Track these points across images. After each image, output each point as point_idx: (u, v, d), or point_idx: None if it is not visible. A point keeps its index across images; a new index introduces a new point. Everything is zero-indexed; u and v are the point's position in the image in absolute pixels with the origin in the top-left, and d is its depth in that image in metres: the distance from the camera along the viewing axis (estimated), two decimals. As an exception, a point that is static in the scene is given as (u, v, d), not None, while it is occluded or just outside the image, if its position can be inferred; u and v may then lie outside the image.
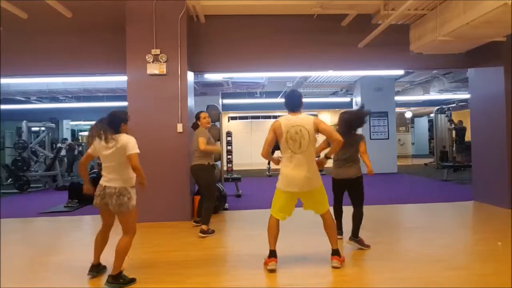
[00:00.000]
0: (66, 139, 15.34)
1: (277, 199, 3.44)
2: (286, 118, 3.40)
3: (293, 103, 3.46)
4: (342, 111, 4.32)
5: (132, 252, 3.82)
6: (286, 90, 12.89)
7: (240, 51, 6.07)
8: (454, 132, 11.88)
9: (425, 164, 14.27)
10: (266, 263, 3.39)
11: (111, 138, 3.06)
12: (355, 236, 4.01)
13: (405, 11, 5.01)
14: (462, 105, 14.50)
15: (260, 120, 17.06)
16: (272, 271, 3.31)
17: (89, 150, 3.20)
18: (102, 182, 3.13)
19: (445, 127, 12.93)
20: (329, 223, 3.46)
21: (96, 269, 3.28)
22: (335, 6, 5.57)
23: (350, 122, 4.04)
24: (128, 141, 3.08)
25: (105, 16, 5.76)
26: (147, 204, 4.90)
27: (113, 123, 3.13)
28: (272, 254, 3.40)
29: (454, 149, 11.90)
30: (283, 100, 3.63)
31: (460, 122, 11.98)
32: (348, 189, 4.10)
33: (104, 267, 3.33)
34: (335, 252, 3.41)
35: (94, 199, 3.17)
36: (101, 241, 3.29)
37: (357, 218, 4.03)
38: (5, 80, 9.12)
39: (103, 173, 3.16)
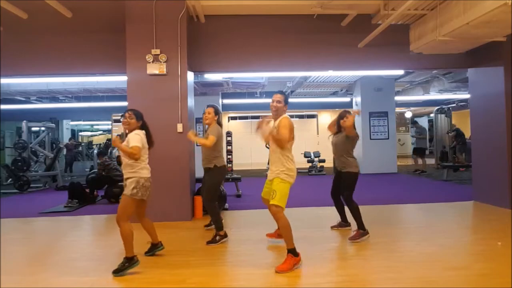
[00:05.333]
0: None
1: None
2: None
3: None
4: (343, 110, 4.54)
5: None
6: (286, 90, 12.88)
7: (240, 51, 6.07)
8: (454, 134, 11.86)
9: (438, 165, 13.28)
10: (298, 262, 3.39)
11: None
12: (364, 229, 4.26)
13: (405, 11, 5.01)
14: (462, 105, 14.49)
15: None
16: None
17: (140, 145, 3.41)
18: (148, 174, 3.50)
19: (445, 127, 12.91)
20: (273, 216, 3.49)
21: (161, 245, 3.79)
22: (335, 6, 5.57)
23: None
24: None
25: (105, 16, 5.77)
26: (147, 204, 4.87)
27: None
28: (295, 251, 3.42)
29: (456, 149, 11.87)
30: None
31: (453, 125, 12.06)
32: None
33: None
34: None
35: (143, 191, 3.41)
36: (148, 223, 3.71)
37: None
38: (5, 80, 9.12)
39: (146, 164, 3.51)
